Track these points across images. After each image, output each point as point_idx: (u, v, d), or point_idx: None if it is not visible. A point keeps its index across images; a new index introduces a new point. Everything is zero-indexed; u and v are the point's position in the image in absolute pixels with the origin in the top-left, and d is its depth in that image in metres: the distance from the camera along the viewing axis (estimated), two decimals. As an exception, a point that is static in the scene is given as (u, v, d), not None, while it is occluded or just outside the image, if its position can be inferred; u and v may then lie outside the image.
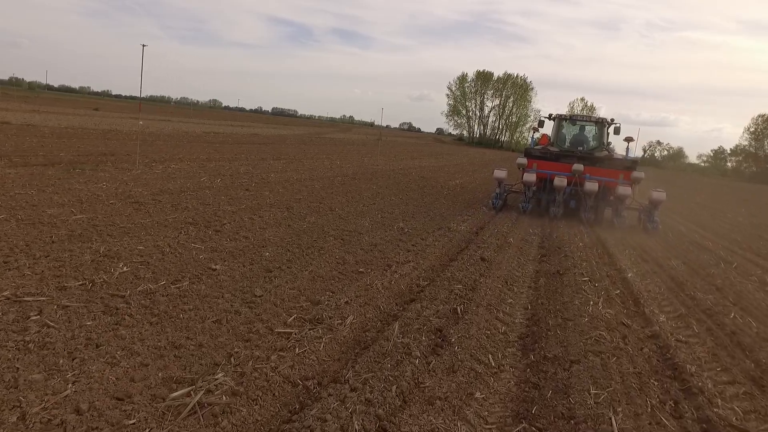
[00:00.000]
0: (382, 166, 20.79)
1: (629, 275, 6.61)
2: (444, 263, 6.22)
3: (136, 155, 12.22)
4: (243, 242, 5.96)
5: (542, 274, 6.17)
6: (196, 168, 12.74)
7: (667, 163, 74.51)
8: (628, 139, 11.96)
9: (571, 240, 8.76)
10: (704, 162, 75.26)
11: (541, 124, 13.76)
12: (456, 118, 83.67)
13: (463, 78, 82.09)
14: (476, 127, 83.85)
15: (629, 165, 11.03)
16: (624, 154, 11.87)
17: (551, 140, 13.16)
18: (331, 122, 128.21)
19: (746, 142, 68.87)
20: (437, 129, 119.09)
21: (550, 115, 13.47)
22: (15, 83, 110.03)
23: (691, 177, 55.27)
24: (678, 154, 77.55)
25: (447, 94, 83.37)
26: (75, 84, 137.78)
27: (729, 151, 72.07)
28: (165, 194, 8.55)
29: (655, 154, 78.03)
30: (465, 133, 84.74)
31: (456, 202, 12.28)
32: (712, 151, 74.70)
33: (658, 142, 78.98)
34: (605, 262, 7.37)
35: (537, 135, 13.38)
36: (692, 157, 77.88)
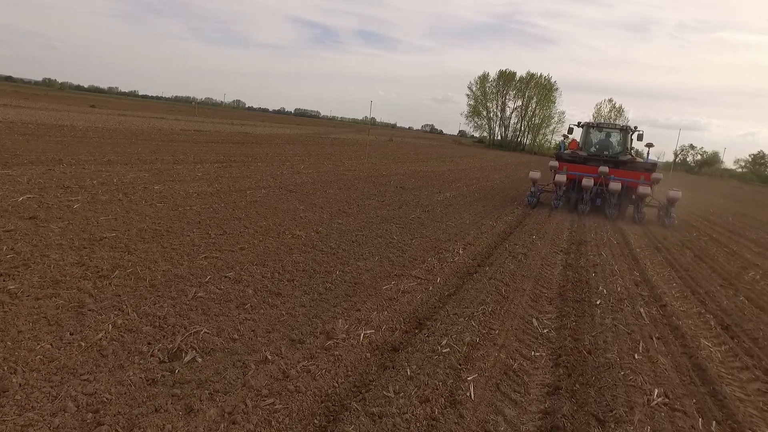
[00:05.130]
0: (363, 171, 16.47)
1: None
2: None
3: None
4: None
5: None
6: (52, 174, 8.74)
7: (701, 169, 68.14)
8: (649, 145, 13.38)
9: (620, 341, 4.11)
10: (742, 167, 68.25)
11: (570, 130, 14.87)
12: (476, 119, 77.84)
13: (484, 78, 76.03)
14: (497, 128, 77.86)
15: (649, 167, 12.32)
16: (645, 158, 13.24)
17: (579, 145, 14.25)
18: (353, 123, 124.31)
19: (791, 146, 61.56)
20: (459, 131, 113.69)
21: (579, 122, 14.86)
22: (48, 84, 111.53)
23: (732, 185, 48.48)
24: (713, 159, 69.98)
25: (467, 95, 77.69)
26: (104, 85, 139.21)
27: (771, 156, 64.86)
28: None
29: (687, 159, 70.78)
30: (485, 134, 78.91)
31: (415, 238, 7.48)
32: (750, 155, 68.03)
33: (691, 146, 71.78)
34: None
35: (567, 140, 14.55)
36: (728, 162, 71.16)
